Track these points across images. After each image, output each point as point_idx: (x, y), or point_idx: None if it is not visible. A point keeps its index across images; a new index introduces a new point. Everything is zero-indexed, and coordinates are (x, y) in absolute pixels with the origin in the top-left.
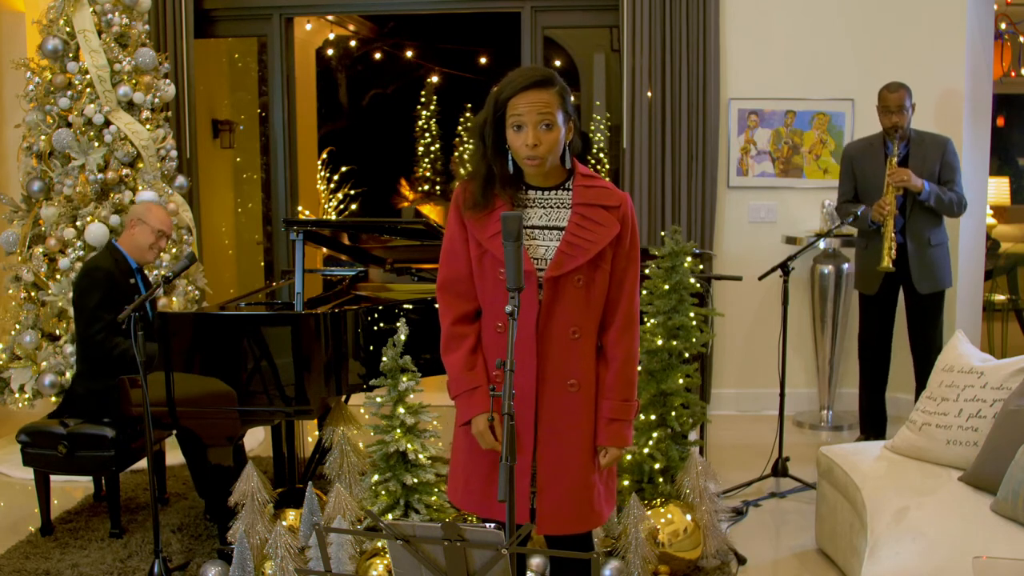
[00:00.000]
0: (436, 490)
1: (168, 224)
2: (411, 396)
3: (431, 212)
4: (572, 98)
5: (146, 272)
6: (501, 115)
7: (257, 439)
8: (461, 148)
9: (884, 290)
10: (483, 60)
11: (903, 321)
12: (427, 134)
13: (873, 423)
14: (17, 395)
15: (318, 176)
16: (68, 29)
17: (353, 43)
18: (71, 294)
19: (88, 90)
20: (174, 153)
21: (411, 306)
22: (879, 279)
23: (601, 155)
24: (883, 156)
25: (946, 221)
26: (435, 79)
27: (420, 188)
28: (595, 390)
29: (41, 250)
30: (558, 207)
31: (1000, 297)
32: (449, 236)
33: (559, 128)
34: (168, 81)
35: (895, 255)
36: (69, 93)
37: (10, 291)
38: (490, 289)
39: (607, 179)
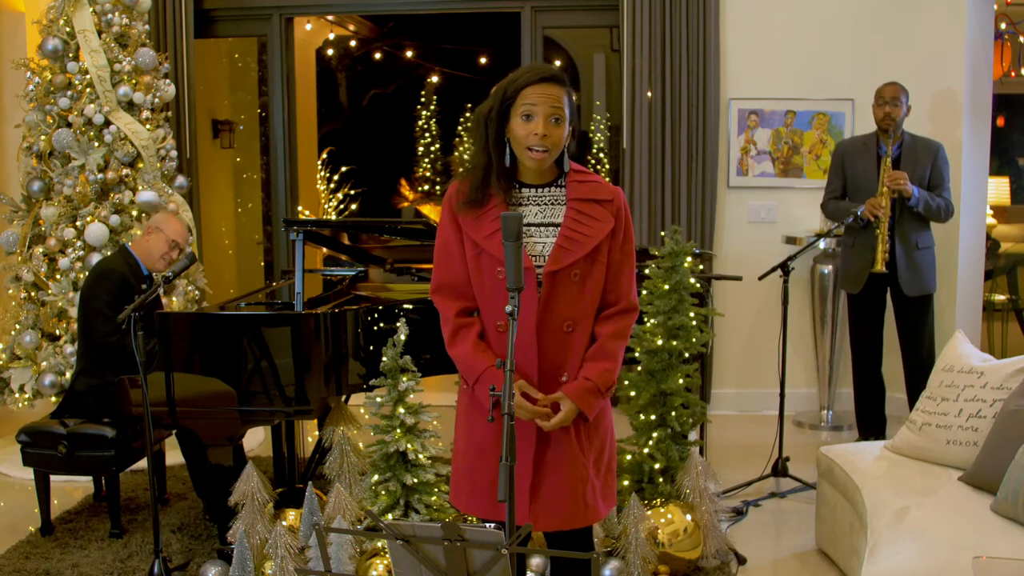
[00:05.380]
0: (436, 490)
1: (184, 237)
2: (411, 396)
3: (431, 212)
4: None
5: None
6: (508, 105)
7: (257, 439)
8: (461, 148)
9: (869, 290)
10: (483, 60)
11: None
12: (427, 134)
13: (870, 422)
14: (17, 395)
15: (318, 176)
16: (68, 29)
17: (353, 43)
18: (76, 293)
19: (88, 90)
20: (174, 153)
21: (411, 306)
22: (863, 278)
23: (601, 155)
24: (875, 155)
25: (936, 224)
26: (435, 79)
27: (420, 188)
28: None
29: (41, 250)
30: (552, 204)
31: (1000, 297)
32: (443, 238)
33: (566, 127)
34: (168, 81)
35: (888, 257)
36: (69, 93)
37: (10, 291)
38: (488, 289)
39: (606, 178)
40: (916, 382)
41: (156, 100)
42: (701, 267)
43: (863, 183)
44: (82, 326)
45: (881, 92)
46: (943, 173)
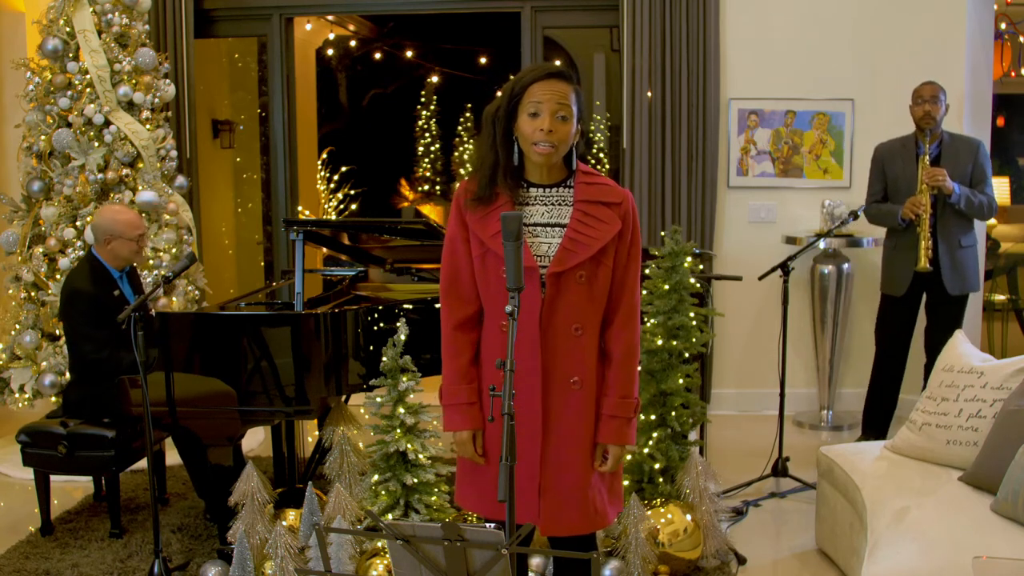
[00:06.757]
0: (436, 490)
1: (140, 223)
2: (411, 396)
3: (431, 212)
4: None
5: (137, 270)
6: (516, 103)
7: (257, 439)
8: (461, 148)
9: (911, 291)
10: (483, 60)
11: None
12: (427, 134)
13: (879, 422)
14: (17, 395)
15: (318, 176)
16: (68, 29)
17: (353, 43)
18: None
19: (88, 90)
20: (174, 153)
21: (411, 306)
22: (908, 281)
23: (601, 155)
24: (915, 156)
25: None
26: (435, 79)
27: (420, 188)
28: (597, 388)
29: (41, 250)
30: (560, 204)
31: (1000, 297)
32: (450, 236)
33: (573, 123)
34: (168, 81)
35: (931, 255)
36: (69, 93)
37: (10, 291)
38: (493, 288)
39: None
40: None
41: (156, 100)
42: (701, 267)
43: (904, 184)
44: (68, 343)
45: (920, 91)
46: (985, 170)
